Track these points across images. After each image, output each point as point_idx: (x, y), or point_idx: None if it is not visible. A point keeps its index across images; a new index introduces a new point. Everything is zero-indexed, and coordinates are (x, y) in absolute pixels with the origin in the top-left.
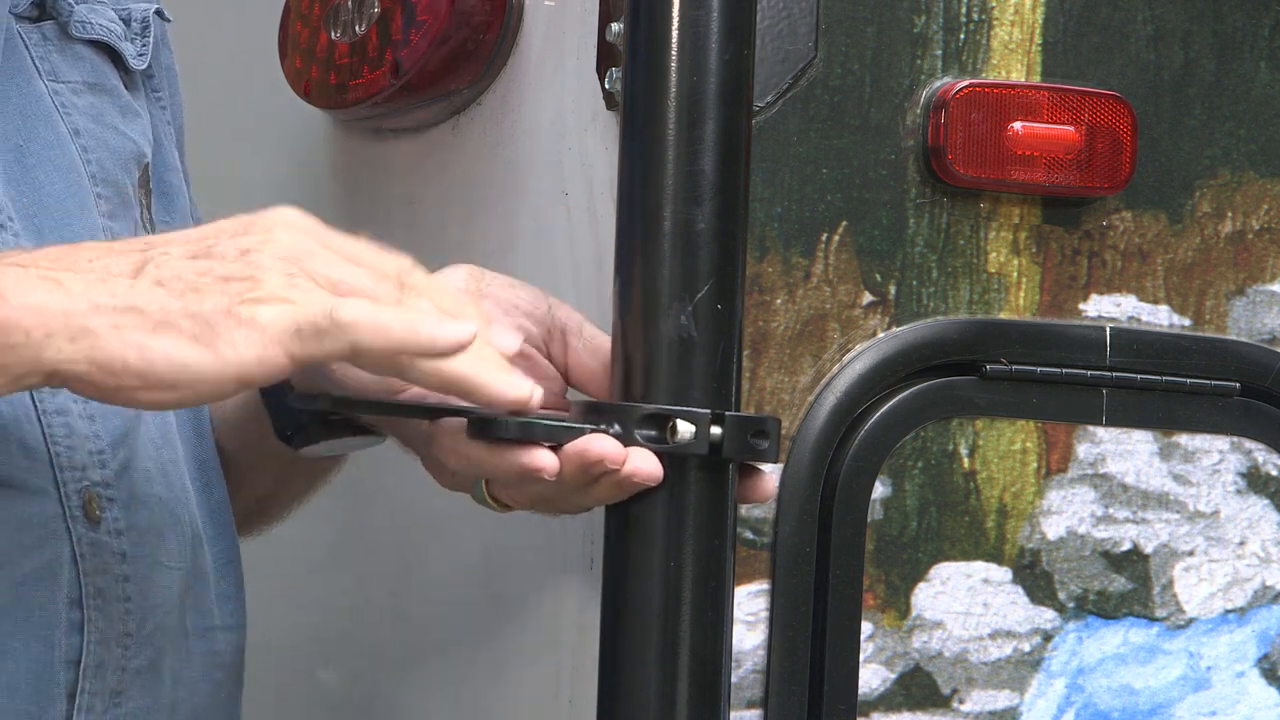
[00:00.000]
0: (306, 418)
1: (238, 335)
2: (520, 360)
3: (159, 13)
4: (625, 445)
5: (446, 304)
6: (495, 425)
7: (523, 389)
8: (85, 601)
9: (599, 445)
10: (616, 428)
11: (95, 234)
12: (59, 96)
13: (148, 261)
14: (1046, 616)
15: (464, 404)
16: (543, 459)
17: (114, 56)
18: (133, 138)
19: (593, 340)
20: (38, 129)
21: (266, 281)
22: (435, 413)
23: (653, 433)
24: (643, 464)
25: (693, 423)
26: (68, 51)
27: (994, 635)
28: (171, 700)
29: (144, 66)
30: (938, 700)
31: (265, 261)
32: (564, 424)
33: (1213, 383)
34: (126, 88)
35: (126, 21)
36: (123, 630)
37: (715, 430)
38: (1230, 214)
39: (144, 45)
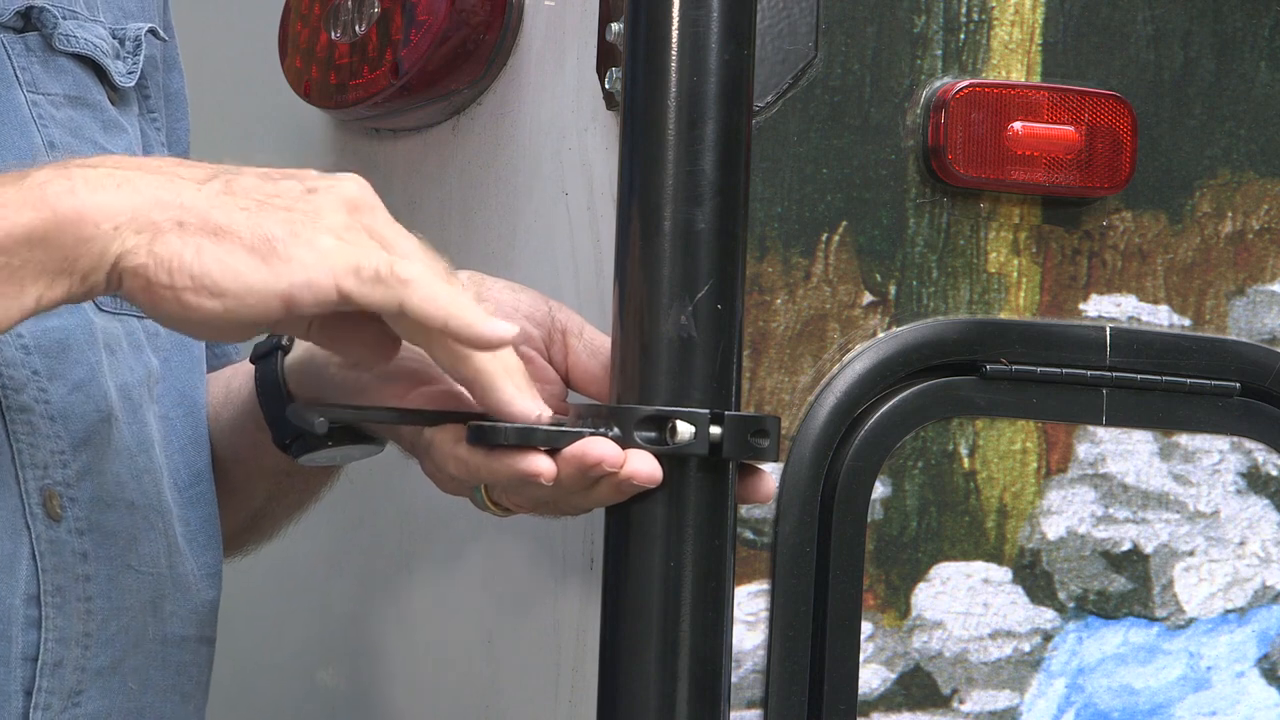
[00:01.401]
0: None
1: (295, 253)
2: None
3: (152, 32)
4: (624, 447)
5: (484, 311)
6: (494, 432)
7: (532, 409)
8: (43, 599)
9: (597, 448)
10: (616, 430)
11: None
12: (37, 108)
13: (217, 175)
14: (1046, 616)
15: (462, 410)
16: (539, 464)
17: (100, 72)
18: (113, 153)
19: (593, 343)
20: (11, 138)
21: (327, 219)
22: (435, 419)
23: (652, 434)
24: (641, 466)
25: (692, 423)
26: (51, 64)
27: (994, 635)
28: (136, 705)
29: (132, 84)
30: (938, 700)
31: (328, 202)
32: (563, 429)
33: (1213, 383)
34: (113, 104)
35: (121, 40)
36: (83, 630)
37: (715, 430)
38: (1230, 214)
39: (134, 64)
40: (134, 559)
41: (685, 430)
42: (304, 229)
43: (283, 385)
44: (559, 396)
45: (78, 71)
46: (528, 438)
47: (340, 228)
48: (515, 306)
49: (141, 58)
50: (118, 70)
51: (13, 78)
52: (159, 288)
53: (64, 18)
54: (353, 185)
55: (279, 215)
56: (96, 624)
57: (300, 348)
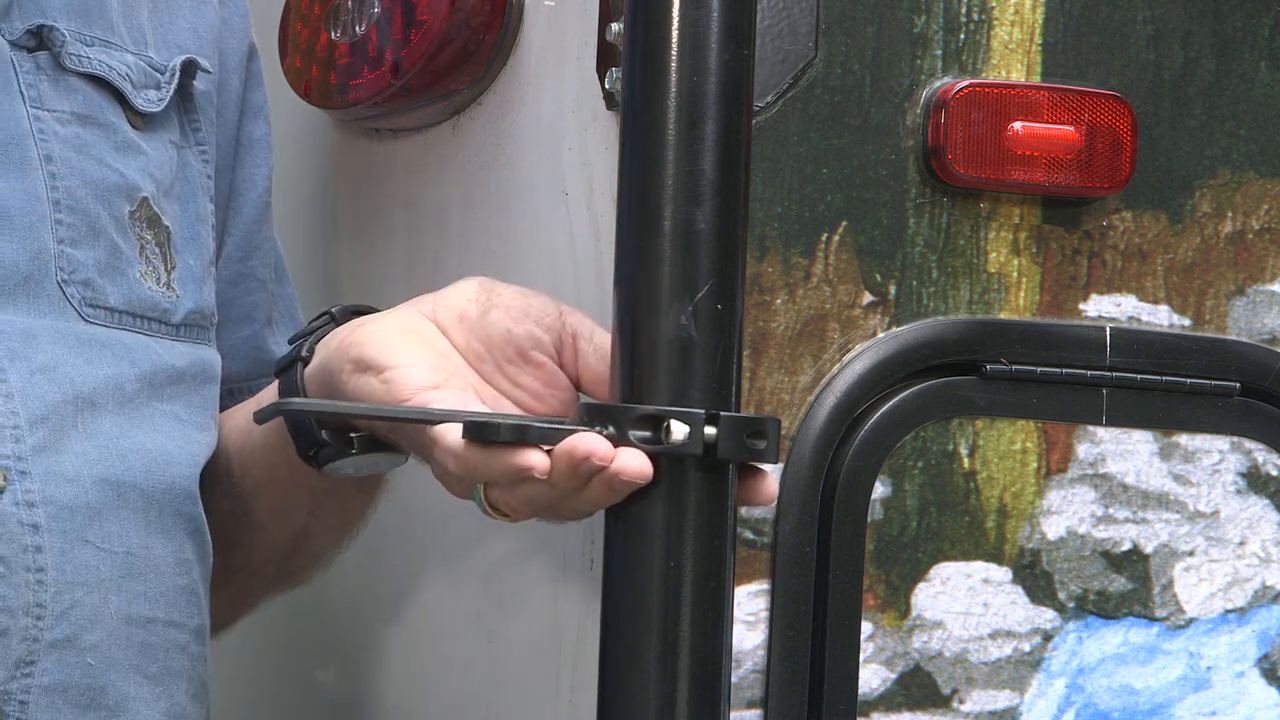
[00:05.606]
0: (326, 434)
1: None
2: (532, 368)
3: (192, 63)
4: (619, 446)
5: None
6: (490, 428)
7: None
8: None
9: (586, 442)
10: (611, 429)
11: (46, 260)
12: (39, 122)
13: None
14: (1046, 616)
15: (457, 411)
16: (532, 458)
17: (119, 95)
18: (124, 173)
19: (603, 346)
20: (6, 148)
21: None
22: (433, 418)
23: (646, 433)
24: (630, 462)
25: (686, 423)
26: (60, 83)
27: (994, 635)
28: (98, 682)
29: (157, 110)
30: (938, 700)
31: None
32: (557, 426)
33: (1213, 383)
34: (136, 127)
35: (160, 70)
36: (33, 600)
37: (710, 430)
38: (1230, 214)
39: (165, 92)
40: (93, 534)
41: (680, 430)
42: None
43: (303, 396)
44: (570, 402)
45: (89, 91)
46: (523, 434)
47: None
48: (525, 311)
49: (173, 87)
50: (143, 98)
51: (17, 92)
52: None
53: (77, 39)
54: None
55: None
56: (50, 595)
57: (318, 358)
